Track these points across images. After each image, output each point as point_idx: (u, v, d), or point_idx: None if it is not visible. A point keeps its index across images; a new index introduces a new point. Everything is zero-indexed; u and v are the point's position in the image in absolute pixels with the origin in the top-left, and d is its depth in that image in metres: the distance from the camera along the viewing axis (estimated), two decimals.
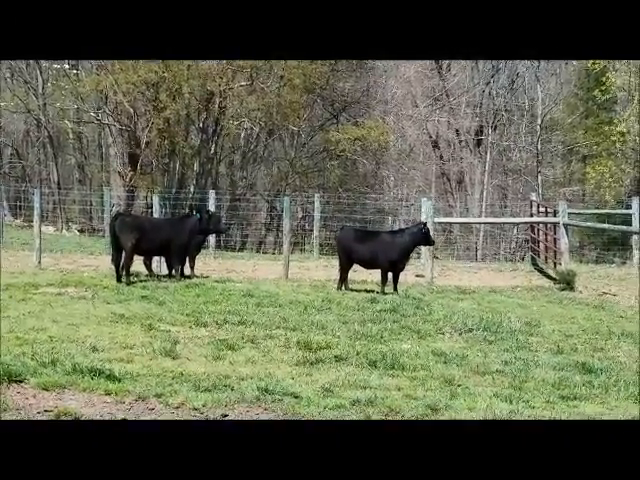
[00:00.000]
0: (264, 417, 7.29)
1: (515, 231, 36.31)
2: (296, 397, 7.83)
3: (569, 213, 19.86)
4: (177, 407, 7.45)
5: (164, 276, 16.52)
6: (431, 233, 16.65)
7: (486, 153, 42.16)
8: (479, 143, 43.10)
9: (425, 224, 16.26)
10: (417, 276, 18.20)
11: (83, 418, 7.04)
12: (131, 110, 34.99)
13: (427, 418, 7.26)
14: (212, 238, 22.24)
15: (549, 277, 19.67)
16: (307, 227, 33.27)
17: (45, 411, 7.22)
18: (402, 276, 16.10)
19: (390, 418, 7.33)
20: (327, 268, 19.44)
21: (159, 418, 7.15)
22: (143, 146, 34.43)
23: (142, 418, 7.13)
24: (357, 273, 16.91)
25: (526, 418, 7.33)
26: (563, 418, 7.43)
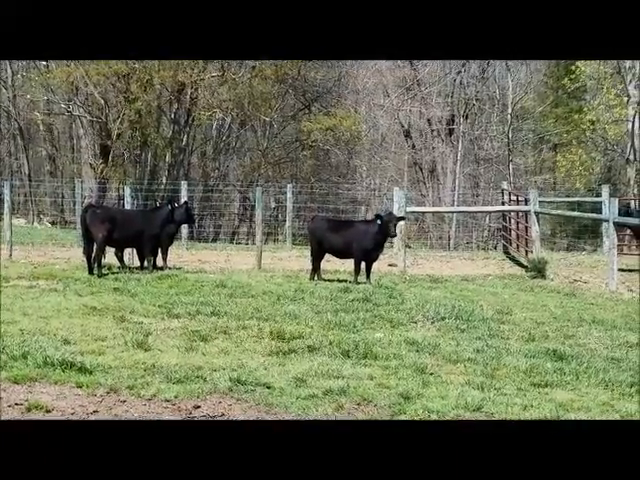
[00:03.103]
0: (237, 408, 7.28)
1: (487, 220, 36.52)
2: (269, 387, 7.83)
3: (540, 201, 20.00)
4: (149, 399, 7.42)
5: (136, 268, 16.46)
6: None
7: (458, 142, 42.30)
8: (451, 132, 43.21)
9: (380, 216, 15.85)
10: (390, 265, 18.26)
11: (54, 411, 7.01)
12: (102, 101, 34.80)
13: (399, 407, 7.28)
14: (185, 229, 22.18)
15: (521, 265, 19.80)
16: (280, 217, 33.26)
17: (16, 404, 7.16)
18: (375, 265, 16.13)
19: (363, 407, 7.36)
20: (300, 258, 19.46)
21: (131, 410, 7.13)
22: (114, 137, 34.25)
23: (114, 410, 7.11)
24: (330, 263, 16.93)
25: (499, 406, 7.37)
26: (534, 404, 7.49)
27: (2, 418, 6.75)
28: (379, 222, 15.51)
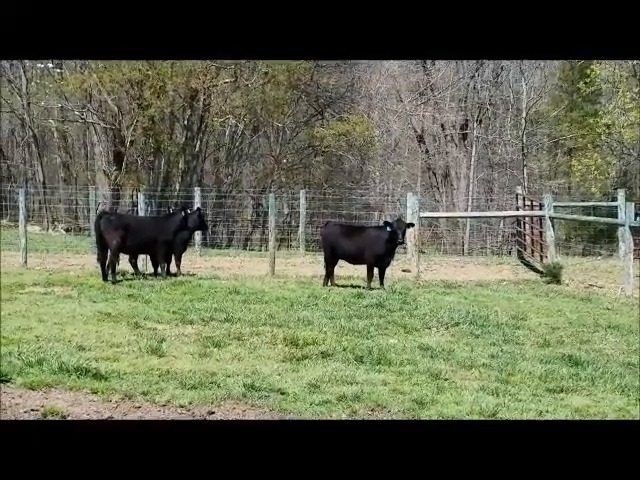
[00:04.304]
0: (251, 414, 7.28)
1: (501, 225, 36.39)
2: (282, 393, 7.82)
3: (555, 206, 19.92)
4: (163, 405, 7.43)
5: (150, 274, 16.48)
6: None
7: (471, 147, 42.23)
8: (464, 137, 43.16)
9: (388, 223, 15.78)
10: (403, 271, 18.22)
11: (70, 417, 7.02)
12: (115, 108, 34.90)
13: (414, 412, 7.26)
14: (198, 236, 22.20)
15: (535, 270, 19.72)
16: (293, 223, 33.25)
17: (32, 410, 7.19)
18: (388, 271, 16.10)
19: (377, 413, 7.34)
20: (313, 264, 19.44)
21: (146, 416, 7.14)
22: (128, 144, 34.33)
23: (129, 416, 7.11)
24: (343, 269, 16.91)
25: (514, 412, 7.34)
26: (549, 409, 7.45)
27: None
28: (388, 229, 15.46)
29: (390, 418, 7.18)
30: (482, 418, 7.15)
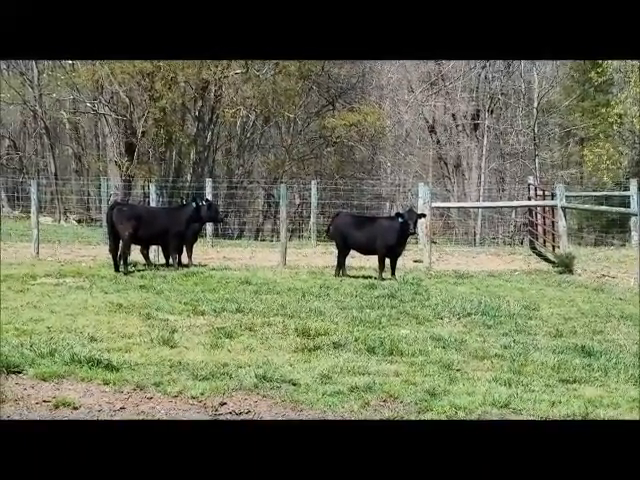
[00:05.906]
0: (263, 405, 7.28)
1: (513, 215, 36.30)
2: (294, 384, 7.82)
3: (567, 196, 19.84)
4: (175, 396, 7.44)
5: (162, 265, 16.49)
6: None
7: (483, 137, 42.10)
8: (476, 127, 43.02)
9: (400, 214, 15.79)
10: (415, 261, 18.19)
11: (81, 408, 7.04)
12: (127, 100, 34.94)
13: (426, 403, 7.25)
14: (209, 226, 22.20)
15: (548, 260, 19.67)
16: (304, 214, 33.23)
17: (44, 401, 7.21)
18: (400, 261, 16.07)
19: (389, 404, 7.33)
20: (325, 255, 19.43)
21: (157, 407, 7.15)
22: (139, 135, 34.38)
23: (140, 407, 7.12)
24: (355, 259, 16.89)
25: (526, 402, 7.32)
26: (562, 400, 7.43)
27: (29, 417, 6.81)
28: (400, 220, 15.44)
29: (402, 409, 7.18)
30: (495, 409, 7.14)
